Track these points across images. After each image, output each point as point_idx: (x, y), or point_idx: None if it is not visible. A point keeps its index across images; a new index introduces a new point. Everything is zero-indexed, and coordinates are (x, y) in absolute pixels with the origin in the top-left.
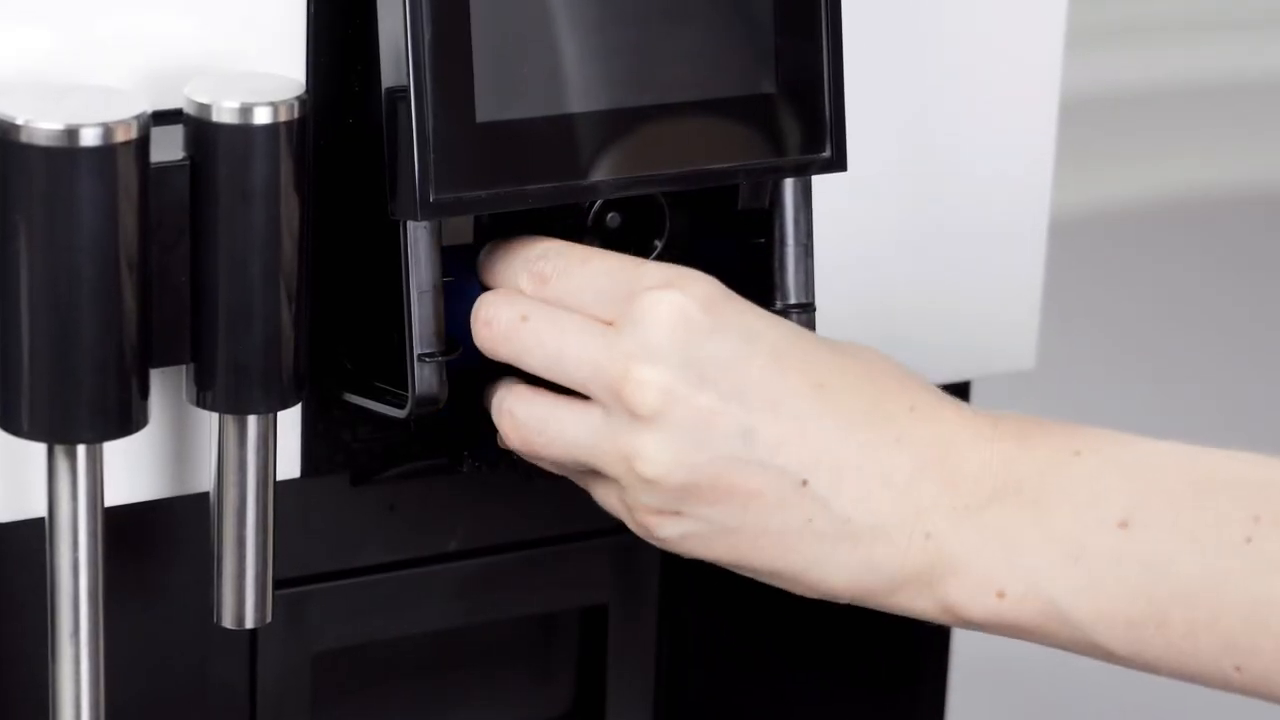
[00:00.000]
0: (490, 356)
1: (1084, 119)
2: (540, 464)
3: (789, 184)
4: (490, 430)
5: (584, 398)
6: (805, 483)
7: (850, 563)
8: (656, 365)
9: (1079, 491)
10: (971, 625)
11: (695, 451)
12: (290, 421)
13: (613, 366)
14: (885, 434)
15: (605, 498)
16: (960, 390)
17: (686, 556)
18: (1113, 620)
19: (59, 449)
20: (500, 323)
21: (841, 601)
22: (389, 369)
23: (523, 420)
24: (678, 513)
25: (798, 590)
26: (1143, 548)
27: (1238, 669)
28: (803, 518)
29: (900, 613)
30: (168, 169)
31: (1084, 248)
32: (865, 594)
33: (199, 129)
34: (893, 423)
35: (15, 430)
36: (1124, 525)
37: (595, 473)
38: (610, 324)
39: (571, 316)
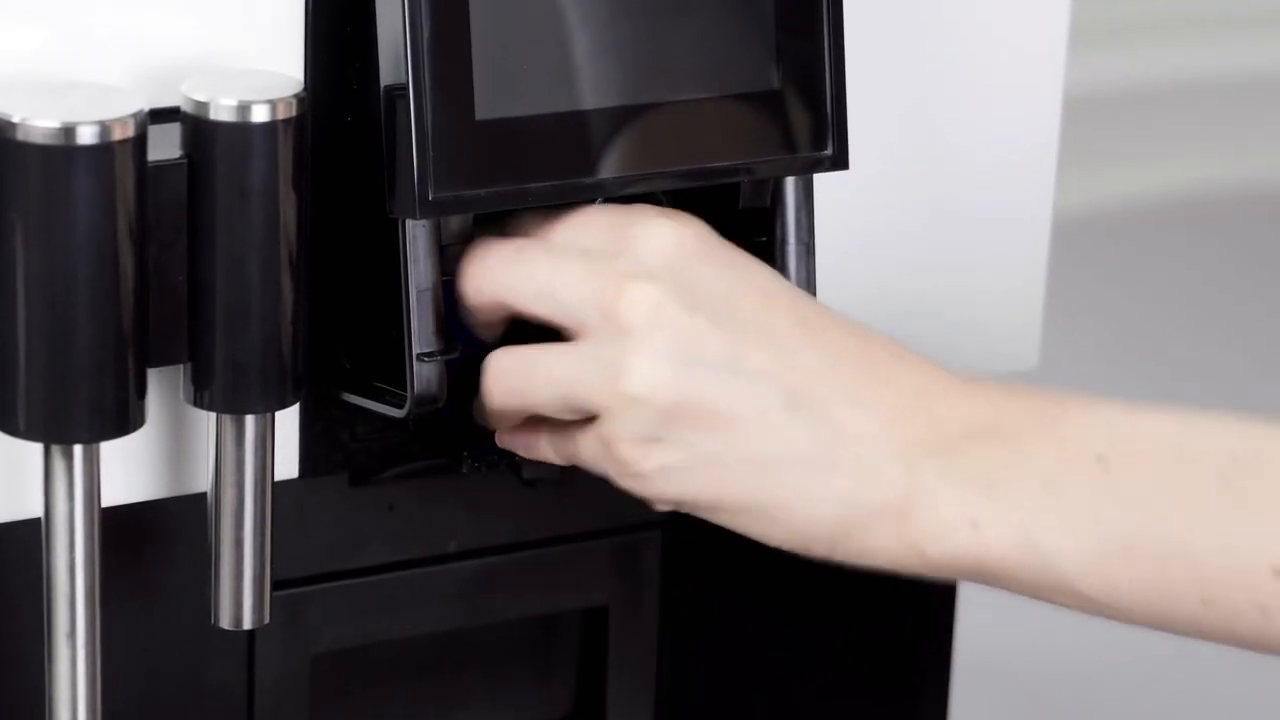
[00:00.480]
0: (477, 297)
1: (1087, 117)
2: (526, 411)
3: (790, 182)
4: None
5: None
6: (791, 408)
7: (829, 494)
8: (651, 281)
9: (1058, 430)
10: (938, 568)
11: (683, 368)
12: (288, 421)
13: (606, 285)
14: (871, 373)
15: (585, 444)
16: None
17: (664, 502)
18: (1084, 554)
19: (55, 449)
20: (493, 257)
21: (815, 547)
22: (388, 368)
23: (507, 368)
24: (659, 439)
25: (775, 532)
26: (1119, 483)
27: (1205, 603)
28: (787, 443)
29: (863, 559)
30: (165, 167)
31: (1087, 246)
32: (839, 529)
33: (196, 127)
34: (879, 365)
35: (11, 430)
36: (1101, 460)
37: (576, 424)
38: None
39: (568, 250)
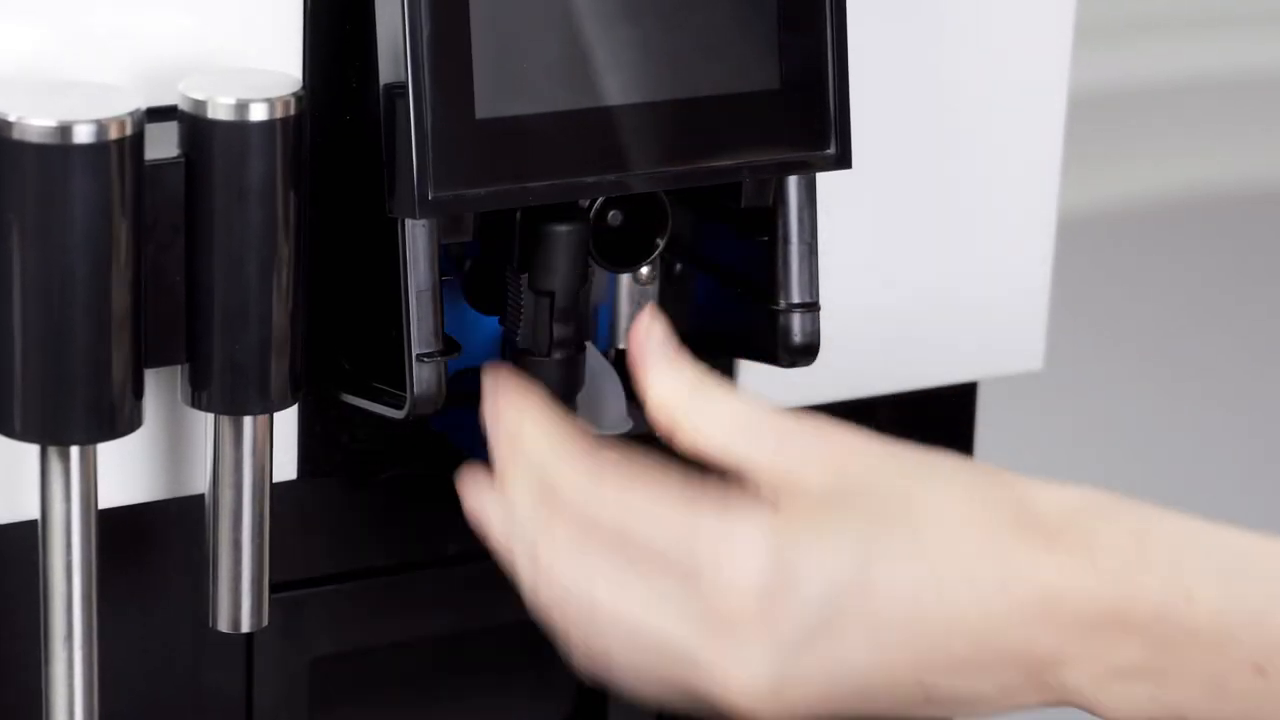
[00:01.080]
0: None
1: (1090, 116)
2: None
3: (793, 182)
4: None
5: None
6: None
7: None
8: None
9: (1207, 641)
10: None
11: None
12: (287, 422)
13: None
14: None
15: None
16: (967, 392)
17: None
18: None
19: (52, 451)
20: (547, 557)
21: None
22: (387, 369)
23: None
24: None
25: None
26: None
27: None
28: None
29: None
30: (163, 166)
31: (1091, 246)
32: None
33: (194, 126)
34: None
35: (8, 431)
36: (1260, 672)
37: None
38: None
39: (638, 565)
